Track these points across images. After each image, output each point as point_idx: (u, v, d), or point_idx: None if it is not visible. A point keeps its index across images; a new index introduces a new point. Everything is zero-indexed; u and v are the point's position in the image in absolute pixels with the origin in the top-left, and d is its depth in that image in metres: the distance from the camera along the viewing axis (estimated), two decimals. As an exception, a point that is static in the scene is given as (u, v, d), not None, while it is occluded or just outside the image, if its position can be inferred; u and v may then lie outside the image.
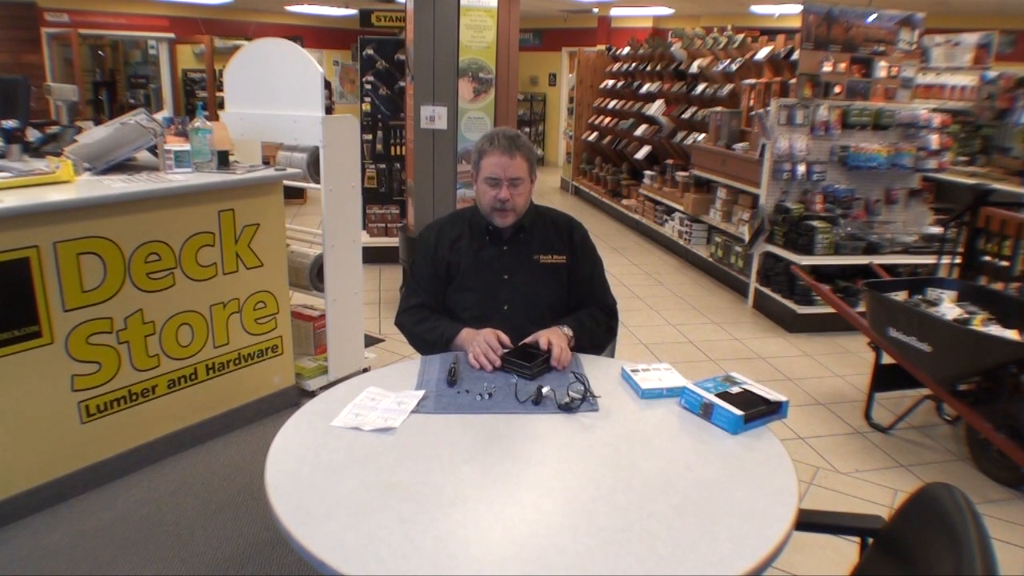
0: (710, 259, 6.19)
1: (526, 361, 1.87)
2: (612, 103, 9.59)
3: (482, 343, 1.93)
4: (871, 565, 1.42)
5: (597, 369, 1.95)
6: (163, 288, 2.79)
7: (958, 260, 3.84)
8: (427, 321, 2.14)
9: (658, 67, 8.51)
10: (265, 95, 3.51)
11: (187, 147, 2.98)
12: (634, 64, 9.14)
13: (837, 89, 4.99)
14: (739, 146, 5.88)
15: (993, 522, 2.72)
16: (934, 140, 5.08)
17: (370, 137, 6.28)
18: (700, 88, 7.40)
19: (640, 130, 8.57)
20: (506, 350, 1.93)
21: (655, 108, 8.19)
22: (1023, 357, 2.81)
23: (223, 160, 3.06)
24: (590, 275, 2.24)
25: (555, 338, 1.95)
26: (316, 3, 11.09)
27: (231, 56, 3.67)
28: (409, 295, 2.25)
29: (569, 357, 1.94)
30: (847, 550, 2.40)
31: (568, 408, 1.68)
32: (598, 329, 2.17)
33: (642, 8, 11.33)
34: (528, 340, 1.97)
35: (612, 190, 9.15)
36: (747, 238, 5.29)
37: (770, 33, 7.15)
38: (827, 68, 4.95)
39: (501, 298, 2.15)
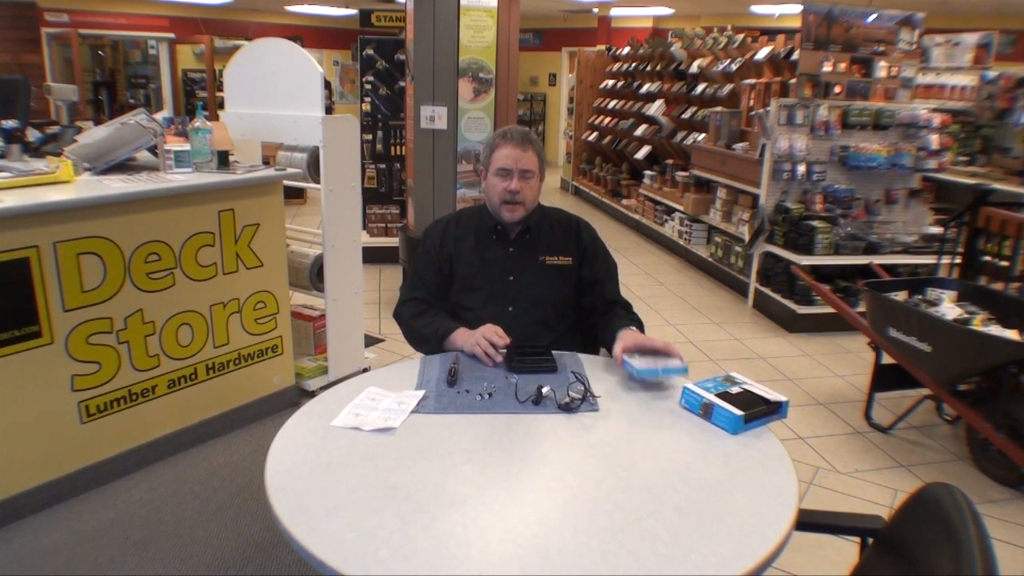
0: (710, 259, 6.19)
1: (528, 357, 1.90)
2: (612, 103, 9.59)
3: (482, 340, 1.93)
4: (871, 565, 1.42)
5: (597, 369, 1.95)
6: (163, 288, 2.79)
7: (958, 260, 3.84)
8: (425, 315, 2.14)
9: (658, 67, 8.51)
10: (265, 95, 3.51)
11: (187, 147, 2.98)
12: (634, 64, 9.14)
13: (837, 89, 4.99)
14: (739, 146, 5.88)
15: (993, 522, 2.72)
16: (934, 140, 5.08)
17: (370, 137, 6.28)
18: (700, 88, 7.40)
19: (640, 130, 8.57)
20: (517, 352, 1.93)
21: (655, 108, 8.19)
22: (1023, 357, 2.81)
23: (223, 160, 3.06)
24: (605, 275, 2.23)
25: (644, 339, 1.93)
26: (316, 3, 11.09)
27: (231, 56, 3.67)
28: (410, 288, 2.25)
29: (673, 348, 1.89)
30: (847, 550, 2.40)
31: (568, 408, 1.68)
32: (640, 329, 2.15)
33: (642, 8, 11.33)
34: (620, 350, 1.88)
35: (612, 190, 9.15)
36: (747, 238, 5.29)
37: (770, 33, 7.15)
38: (827, 68, 4.94)
39: (506, 299, 2.14)
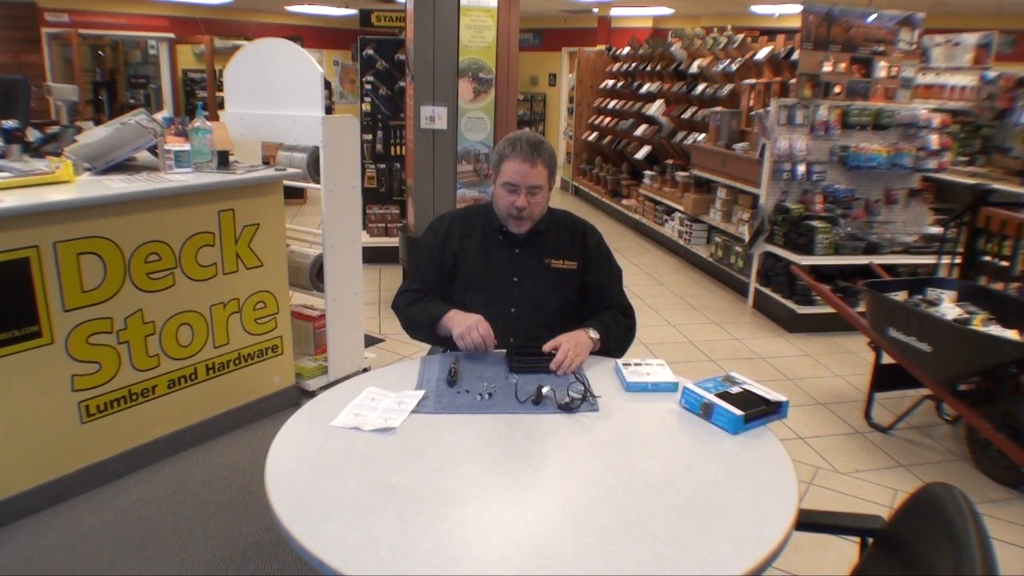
0: (710, 259, 6.19)
1: (528, 357, 1.91)
2: (612, 103, 9.59)
3: (468, 340, 1.93)
4: (871, 565, 1.42)
5: (597, 369, 1.95)
6: (163, 288, 2.79)
7: (958, 260, 3.84)
8: (419, 303, 2.13)
9: (658, 67, 8.51)
10: (265, 95, 3.51)
11: (187, 147, 2.98)
12: (634, 64, 9.14)
13: (837, 89, 4.99)
14: (739, 146, 5.88)
15: (993, 522, 2.72)
16: (934, 140, 5.08)
17: (370, 137, 6.28)
18: (700, 88, 7.40)
19: (640, 130, 8.57)
20: (517, 352, 1.94)
21: (655, 108, 8.19)
22: (1023, 357, 2.81)
23: (223, 160, 3.06)
24: (608, 281, 2.22)
25: (569, 343, 1.93)
26: (316, 3, 11.09)
27: (231, 56, 3.67)
28: (410, 280, 2.26)
29: (572, 366, 1.89)
30: (847, 550, 2.40)
31: (568, 408, 1.68)
32: (620, 331, 2.15)
33: (642, 8, 11.33)
34: (547, 346, 1.94)
35: (612, 190, 9.15)
36: (747, 238, 5.29)
37: (770, 33, 7.15)
38: (827, 68, 4.94)
39: (510, 300, 2.14)
